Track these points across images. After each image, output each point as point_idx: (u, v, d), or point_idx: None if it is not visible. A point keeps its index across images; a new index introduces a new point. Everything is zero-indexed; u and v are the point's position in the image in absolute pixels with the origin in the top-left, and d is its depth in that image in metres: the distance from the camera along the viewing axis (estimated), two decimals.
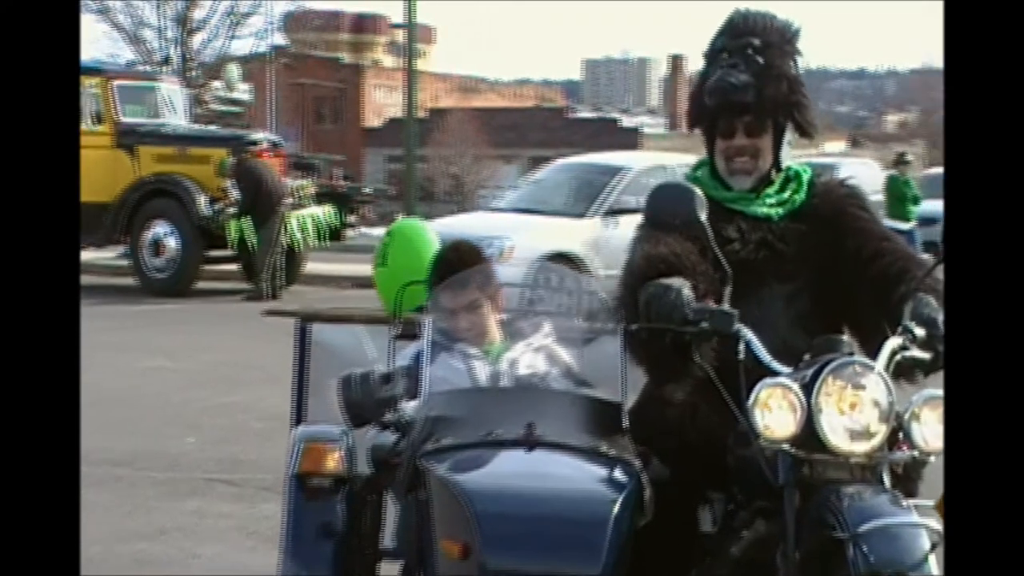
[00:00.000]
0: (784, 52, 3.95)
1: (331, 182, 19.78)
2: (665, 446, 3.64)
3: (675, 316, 3.46)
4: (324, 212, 18.45)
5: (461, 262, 4.18)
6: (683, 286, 3.51)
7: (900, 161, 19.37)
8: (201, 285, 17.71)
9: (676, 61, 68.07)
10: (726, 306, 3.52)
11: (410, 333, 4.23)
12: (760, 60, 3.89)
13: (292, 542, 4.01)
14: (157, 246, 17.53)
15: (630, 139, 52.71)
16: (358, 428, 3.84)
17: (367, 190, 21.78)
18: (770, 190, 3.96)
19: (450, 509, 3.26)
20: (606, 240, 13.79)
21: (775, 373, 3.44)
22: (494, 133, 48.00)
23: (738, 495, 3.63)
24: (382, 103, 59.91)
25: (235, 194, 17.23)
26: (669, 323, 3.47)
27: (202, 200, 17.53)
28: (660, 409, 3.74)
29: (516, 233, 14.07)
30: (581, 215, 14.30)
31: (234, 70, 23.55)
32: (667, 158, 16.11)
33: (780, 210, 3.94)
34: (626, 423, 3.58)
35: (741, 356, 3.45)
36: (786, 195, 3.97)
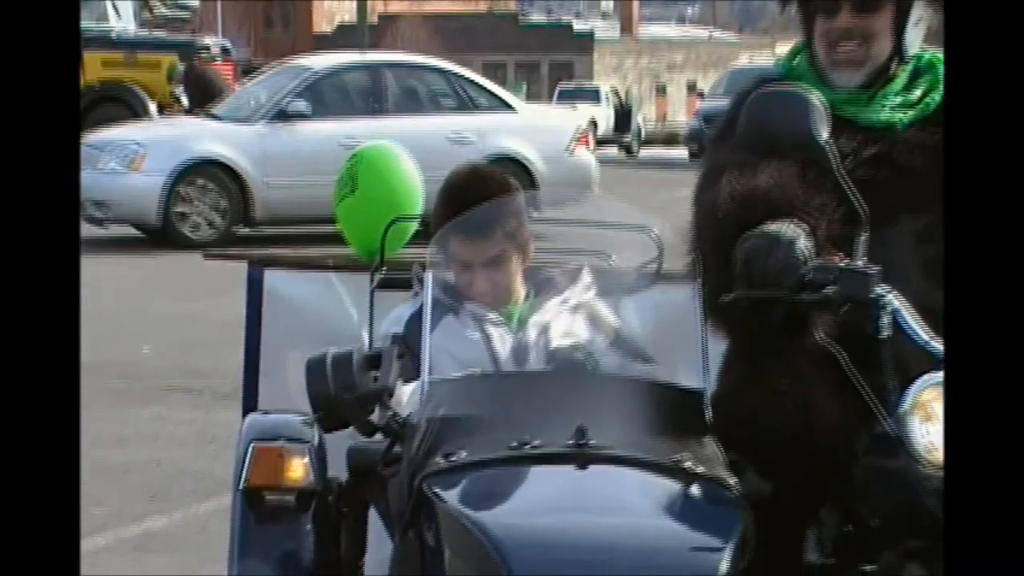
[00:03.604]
0: None
1: None
2: (766, 452, 2.67)
3: (788, 279, 2.53)
4: None
5: (483, 194, 3.02)
6: (796, 235, 2.56)
7: None
8: None
9: None
10: (861, 262, 2.59)
11: (398, 282, 3.27)
12: None
13: None
14: None
15: (584, 44, 52.39)
16: (331, 431, 2.80)
17: None
18: (892, 87, 2.93)
19: (471, 560, 2.28)
20: (265, 147, 13.14)
21: (938, 359, 2.53)
22: (446, 39, 47.56)
23: (869, 519, 2.67)
24: (332, 8, 59.21)
25: (185, 101, 17.04)
26: (780, 289, 2.54)
27: (152, 107, 17.34)
28: (758, 401, 2.75)
29: (153, 139, 13.32)
30: (247, 120, 13.45)
31: None
32: (381, 56, 15.28)
33: (907, 115, 2.90)
34: (709, 417, 2.60)
35: (885, 333, 2.54)
36: (915, 94, 2.92)
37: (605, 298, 3.05)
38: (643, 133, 36.01)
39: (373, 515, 3.10)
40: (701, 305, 2.69)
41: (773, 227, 2.57)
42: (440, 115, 13.60)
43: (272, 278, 3.68)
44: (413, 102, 14.09)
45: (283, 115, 13.34)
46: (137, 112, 17.34)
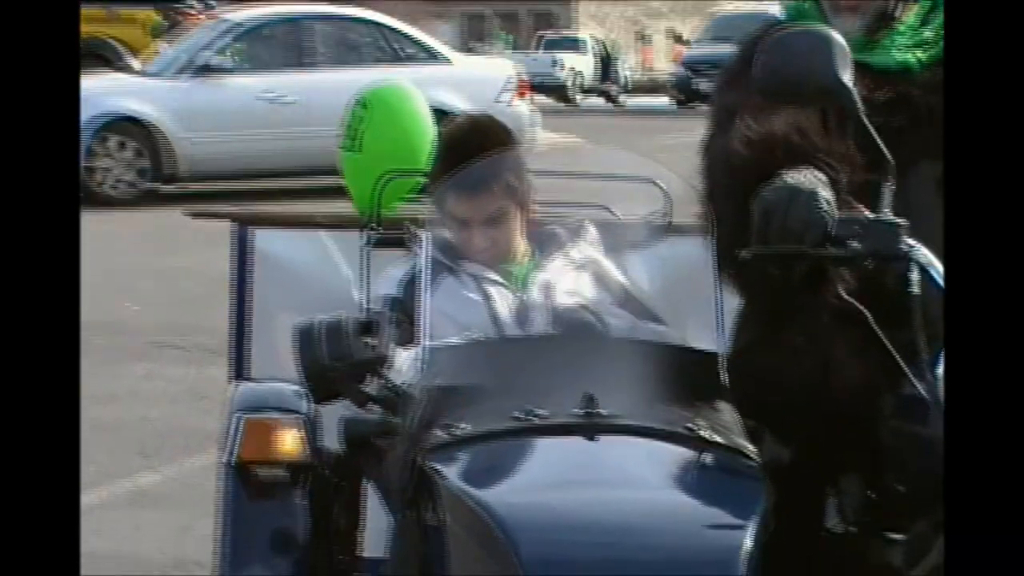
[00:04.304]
0: None
1: None
2: (783, 414, 2.53)
3: (810, 233, 2.33)
4: None
5: (481, 145, 2.87)
6: (817, 185, 2.37)
7: None
8: None
9: None
10: (888, 213, 2.39)
11: (393, 240, 3.09)
12: None
13: (232, 557, 2.84)
14: None
15: None
16: (324, 402, 2.67)
17: None
18: (902, 28, 2.75)
19: (475, 541, 2.12)
20: (186, 102, 12.99)
21: None
22: None
23: (895, 485, 2.51)
24: None
25: None
26: (801, 244, 2.34)
27: (135, 63, 17.24)
28: (776, 361, 2.57)
29: None
30: (166, 74, 13.31)
31: None
32: (307, 8, 14.73)
33: (924, 54, 2.73)
34: (725, 381, 2.43)
35: (914, 289, 2.34)
36: (929, 32, 2.75)
37: (612, 254, 2.88)
38: (627, 82, 35.93)
39: (369, 490, 2.98)
40: (714, 260, 2.51)
41: (792, 177, 2.38)
42: (369, 68, 13.13)
43: (260, 237, 3.53)
44: (341, 55, 13.84)
45: (205, 69, 13.16)
46: (118, 68, 17.26)
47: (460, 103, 13.08)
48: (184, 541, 4.83)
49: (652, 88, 35.46)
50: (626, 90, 34.77)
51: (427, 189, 2.98)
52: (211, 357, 6.98)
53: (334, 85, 12.48)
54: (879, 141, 2.43)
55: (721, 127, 2.64)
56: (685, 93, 26.25)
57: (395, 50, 13.84)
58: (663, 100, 29.34)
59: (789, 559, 2.33)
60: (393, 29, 14.20)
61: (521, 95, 14.09)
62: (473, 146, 2.87)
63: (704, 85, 24.78)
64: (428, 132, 3.69)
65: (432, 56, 14.02)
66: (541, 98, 29.71)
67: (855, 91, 2.47)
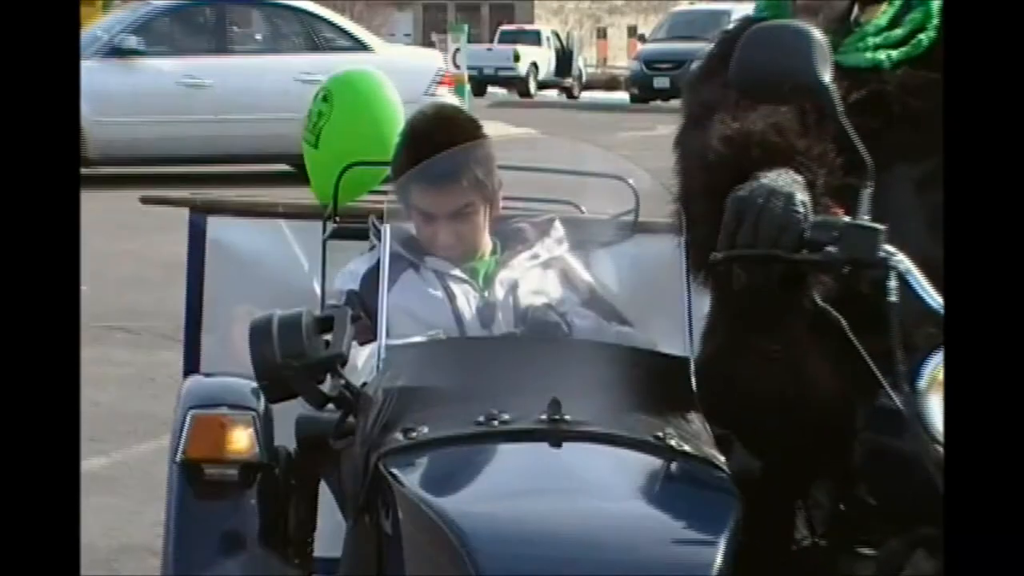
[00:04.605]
0: None
1: None
2: (753, 424, 2.43)
3: (785, 237, 2.23)
4: None
5: (447, 137, 2.78)
6: (795, 186, 2.28)
7: None
8: None
9: None
10: (866, 218, 2.30)
11: (353, 232, 3.00)
12: None
13: (180, 558, 2.74)
14: None
15: None
16: (278, 402, 2.54)
17: None
18: (871, 27, 2.66)
19: (433, 551, 2.04)
20: (97, 84, 12.43)
21: None
22: None
23: (867, 500, 2.43)
24: None
25: None
26: (776, 248, 2.23)
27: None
28: (746, 368, 2.48)
29: None
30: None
31: None
32: None
33: (893, 53, 2.64)
34: (694, 386, 2.36)
35: (893, 297, 2.23)
36: (900, 31, 2.66)
37: (579, 252, 2.80)
38: (584, 76, 36.03)
39: (324, 489, 2.88)
40: (685, 261, 2.43)
41: (767, 178, 2.29)
42: (290, 55, 12.98)
43: (216, 225, 3.42)
44: (261, 41, 13.70)
45: (118, 52, 12.97)
46: None
47: None
48: (133, 526, 4.81)
49: (609, 83, 35.59)
50: (582, 84, 34.90)
51: (391, 180, 2.90)
52: (160, 342, 6.99)
53: (254, 71, 12.32)
54: (858, 142, 2.36)
55: (696, 123, 2.56)
56: (641, 89, 26.37)
57: (317, 38, 13.66)
58: (619, 95, 29.47)
59: (757, 572, 2.24)
60: (317, 16, 13.99)
61: (446, 84, 13.91)
62: (440, 138, 2.78)
63: (660, 81, 24.96)
64: (394, 121, 3.54)
65: (357, 45, 13.78)
66: (500, 91, 29.78)
67: (834, 90, 2.38)
